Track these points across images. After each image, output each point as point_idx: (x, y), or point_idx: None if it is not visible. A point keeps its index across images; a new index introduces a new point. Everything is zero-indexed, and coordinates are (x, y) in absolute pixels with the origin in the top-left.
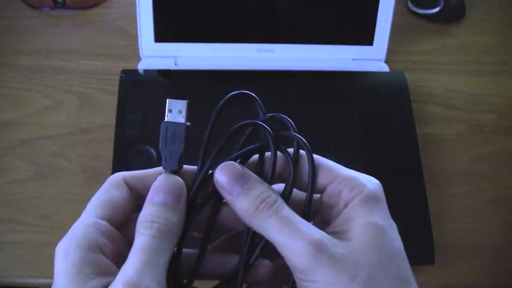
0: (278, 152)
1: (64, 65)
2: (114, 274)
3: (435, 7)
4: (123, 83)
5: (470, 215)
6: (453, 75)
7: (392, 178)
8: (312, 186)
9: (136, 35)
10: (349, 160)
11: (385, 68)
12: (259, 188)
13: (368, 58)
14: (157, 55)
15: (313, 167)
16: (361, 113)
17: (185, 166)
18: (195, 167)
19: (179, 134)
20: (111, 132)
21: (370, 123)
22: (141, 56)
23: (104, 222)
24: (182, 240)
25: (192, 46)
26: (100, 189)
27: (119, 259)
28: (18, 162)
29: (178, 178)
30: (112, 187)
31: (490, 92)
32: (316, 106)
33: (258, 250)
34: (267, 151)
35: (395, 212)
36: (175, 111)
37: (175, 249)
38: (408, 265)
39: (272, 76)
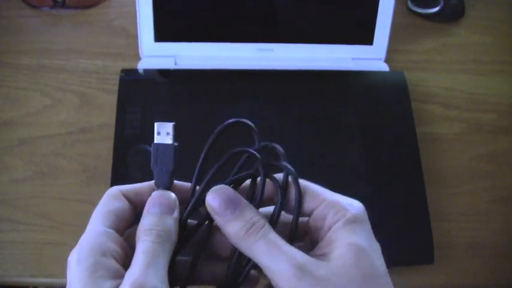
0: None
1: (64, 65)
2: (123, 277)
3: (435, 6)
4: (122, 83)
5: (470, 214)
6: (453, 75)
7: (392, 178)
8: (298, 214)
9: (136, 35)
10: (348, 160)
11: (385, 67)
12: (249, 213)
13: (368, 57)
14: (157, 54)
15: (300, 196)
16: (360, 113)
17: (176, 182)
18: (186, 183)
19: (168, 154)
20: (110, 132)
21: (369, 122)
22: (140, 55)
23: (111, 230)
24: (177, 250)
25: (192, 46)
26: (100, 201)
27: (127, 264)
28: (18, 161)
29: (171, 193)
30: (113, 199)
31: (490, 92)
32: (316, 105)
33: (245, 272)
34: (258, 177)
35: (395, 212)
36: (163, 133)
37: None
38: (391, 286)
39: (272, 76)
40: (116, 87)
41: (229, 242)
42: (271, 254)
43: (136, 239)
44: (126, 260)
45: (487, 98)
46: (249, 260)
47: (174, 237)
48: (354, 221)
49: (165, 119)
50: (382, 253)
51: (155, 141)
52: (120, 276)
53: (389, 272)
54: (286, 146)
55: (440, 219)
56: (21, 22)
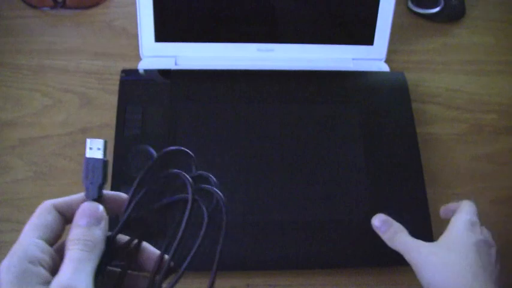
0: None
1: (64, 65)
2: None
3: (435, 7)
4: (123, 83)
5: None
6: (453, 75)
7: (392, 178)
8: (225, 236)
9: (137, 35)
10: (348, 160)
11: (385, 67)
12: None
13: (368, 58)
14: (157, 55)
15: (227, 221)
16: (361, 113)
17: (106, 192)
18: (115, 193)
19: (98, 168)
20: (111, 132)
21: (370, 123)
22: (141, 55)
23: (41, 241)
24: (105, 262)
25: (192, 46)
26: (33, 214)
27: (55, 272)
28: (19, 161)
29: (98, 205)
30: (44, 212)
31: (490, 92)
32: (316, 106)
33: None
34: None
35: (396, 212)
36: (95, 148)
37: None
38: None
39: (272, 76)
40: (117, 88)
41: (153, 258)
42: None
43: (65, 249)
44: (55, 269)
45: (487, 99)
46: (175, 280)
47: (101, 246)
48: None
49: (165, 119)
50: (384, 252)
51: (86, 156)
52: (49, 283)
53: (390, 271)
54: (285, 146)
55: (441, 220)
56: (21, 22)
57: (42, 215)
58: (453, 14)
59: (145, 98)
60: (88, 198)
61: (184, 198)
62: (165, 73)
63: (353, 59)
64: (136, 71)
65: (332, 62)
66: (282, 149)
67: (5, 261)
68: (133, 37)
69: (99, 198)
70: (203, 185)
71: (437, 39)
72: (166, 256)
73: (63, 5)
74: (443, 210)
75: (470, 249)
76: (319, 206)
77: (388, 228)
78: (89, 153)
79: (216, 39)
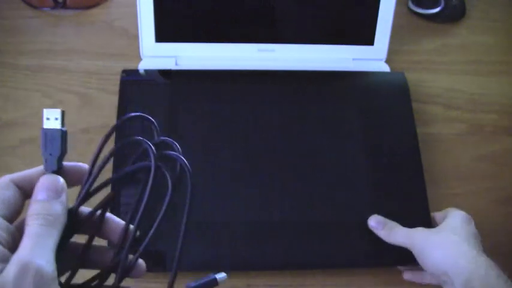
0: None
1: (65, 65)
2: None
3: (436, 7)
4: (124, 83)
5: (471, 214)
6: (454, 75)
7: (392, 178)
8: (189, 210)
9: (137, 35)
10: (349, 160)
11: (385, 67)
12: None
13: (369, 58)
14: (157, 55)
15: (192, 188)
16: (361, 113)
17: (65, 164)
18: (76, 163)
19: (56, 139)
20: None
21: (370, 123)
22: (141, 55)
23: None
24: (67, 235)
25: (192, 46)
26: None
27: (15, 249)
28: (19, 162)
29: (58, 177)
30: (2, 188)
31: (490, 92)
32: (316, 106)
33: (134, 260)
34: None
35: (396, 212)
36: (52, 118)
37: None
38: None
39: (273, 76)
40: (117, 88)
41: (119, 230)
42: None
43: (25, 225)
44: (15, 247)
45: (487, 99)
46: (138, 248)
47: (61, 220)
48: None
49: (165, 119)
50: (385, 252)
51: (44, 127)
52: (7, 260)
53: (390, 271)
54: (286, 146)
55: None
56: (22, 23)
57: (1, 190)
58: (453, 14)
59: (146, 98)
60: (47, 170)
61: (147, 166)
62: (166, 73)
63: (353, 59)
64: (137, 71)
65: (332, 62)
66: (282, 149)
67: None
68: (134, 37)
69: (59, 170)
70: (166, 152)
71: (438, 40)
72: (131, 226)
73: (64, 6)
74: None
75: (469, 235)
76: (320, 207)
77: (384, 226)
78: (46, 124)
79: (217, 39)
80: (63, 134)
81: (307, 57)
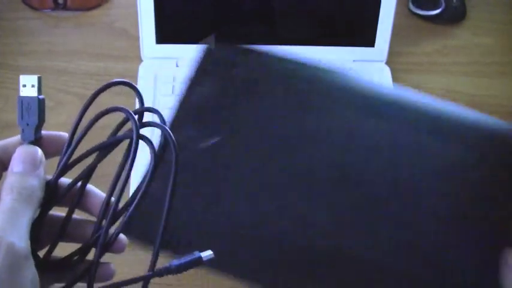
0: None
1: (65, 66)
2: None
3: (436, 8)
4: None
5: None
6: (454, 77)
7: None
8: (175, 176)
9: (138, 36)
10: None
11: (386, 69)
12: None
13: (369, 59)
14: (158, 56)
15: (177, 159)
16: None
17: (44, 132)
18: (54, 133)
19: (33, 107)
20: None
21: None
22: (142, 57)
23: None
24: (46, 208)
25: (193, 47)
26: None
27: None
28: None
29: (35, 148)
30: None
31: (491, 94)
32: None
33: (114, 235)
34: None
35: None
36: (29, 85)
37: (39, 212)
38: None
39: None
40: (117, 89)
41: (100, 202)
42: None
43: None
44: None
45: (488, 100)
46: (122, 225)
47: (38, 194)
48: None
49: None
50: None
51: (20, 94)
52: None
53: None
54: (380, 170)
55: None
56: (22, 24)
57: None
58: (454, 16)
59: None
60: (24, 140)
61: (129, 136)
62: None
63: (354, 61)
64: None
65: (333, 63)
66: (375, 171)
67: None
68: (134, 39)
69: (37, 141)
70: (149, 121)
71: (438, 41)
72: (112, 199)
73: (64, 7)
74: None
75: None
76: (388, 245)
77: None
78: (22, 92)
79: (217, 40)
80: (40, 102)
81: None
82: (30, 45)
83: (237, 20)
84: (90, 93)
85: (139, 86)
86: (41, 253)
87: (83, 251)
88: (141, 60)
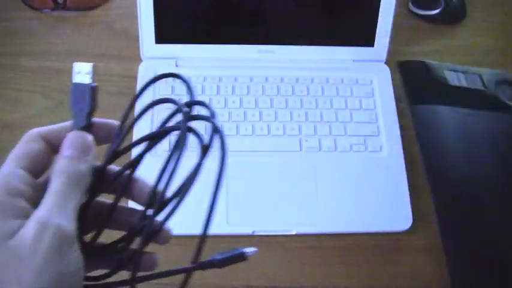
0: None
1: (65, 66)
2: None
3: (436, 8)
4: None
5: None
6: None
7: None
8: (221, 170)
9: (137, 37)
10: None
11: (386, 69)
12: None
13: (369, 59)
14: (158, 56)
15: (224, 153)
16: None
17: (95, 119)
18: (105, 120)
19: (85, 94)
20: None
21: None
22: (141, 57)
23: (23, 171)
24: (93, 194)
25: (193, 47)
26: (18, 144)
27: (38, 204)
28: None
29: (86, 134)
30: (29, 141)
31: None
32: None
33: (163, 221)
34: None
35: None
36: (83, 73)
37: (87, 198)
38: None
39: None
40: (117, 89)
41: (146, 192)
42: None
43: (48, 181)
44: (37, 201)
45: None
46: (168, 215)
47: (86, 180)
48: None
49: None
50: None
51: (73, 81)
52: (28, 216)
53: None
54: None
55: None
56: (22, 24)
57: (27, 144)
58: (454, 16)
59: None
60: (76, 126)
61: (178, 127)
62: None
63: (353, 61)
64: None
65: (332, 63)
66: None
67: None
68: (134, 39)
69: (88, 127)
70: (199, 114)
71: (438, 41)
72: (159, 189)
73: (64, 7)
74: None
75: None
76: None
77: None
78: (76, 78)
79: (217, 40)
80: (93, 89)
81: (308, 58)
82: (30, 45)
83: (236, 20)
84: None
85: (138, 86)
86: (86, 238)
87: (128, 239)
88: (140, 60)
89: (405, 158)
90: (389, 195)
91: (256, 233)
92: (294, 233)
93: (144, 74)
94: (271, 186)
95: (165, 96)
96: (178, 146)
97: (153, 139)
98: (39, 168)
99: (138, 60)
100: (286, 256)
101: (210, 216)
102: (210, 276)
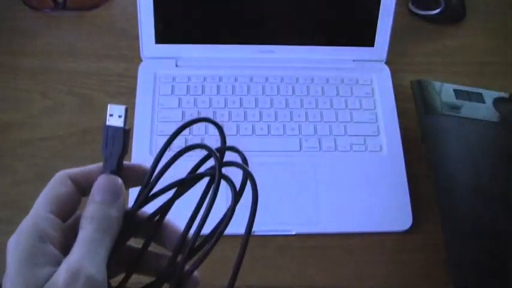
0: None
1: (65, 66)
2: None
3: (436, 8)
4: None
5: None
6: (454, 77)
7: None
8: (252, 217)
9: (137, 36)
10: None
11: (386, 69)
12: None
13: (369, 59)
14: (158, 56)
15: (256, 198)
16: None
17: (126, 163)
18: (137, 164)
19: (118, 137)
20: None
21: None
22: (141, 57)
23: (52, 216)
24: (123, 238)
25: (193, 47)
26: (47, 186)
27: (67, 250)
28: (19, 163)
29: (117, 178)
30: (58, 184)
31: None
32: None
33: (193, 267)
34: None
35: None
36: (116, 115)
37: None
38: None
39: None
40: (117, 89)
41: (176, 237)
42: None
43: (79, 226)
44: (68, 247)
45: None
46: (198, 262)
47: (116, 225)
48: None
49: None
50: None
51: (106, 123)
52: (58, 263)
53: None
54: None
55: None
56: (22, 24)
57: (56, 186)
58: (454, 16)
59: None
60: (106, 169)
61: (210, 174)
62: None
63: (353, 61)
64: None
65: (333, 63)
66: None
67: (13, 237)
68: (134, 38)
69: (118, 170)
70: (231, 161)
71: (438, 41)
72: (190, 234)
73: (64, 7)
74: None
75: None
76: None
77: None
78: (108, 121)
79: (217, 40)
80: (125, 133)
81: (308, 58)
82: (30, 45)
83: (236, 20)
84: (90, 93)
85: (138, 86)
86: (113, 282)
87: (156, 285)
88: (140, 60)
89: (405, 158)
90: (389, 195)
91: (256, 233)
92: (294, 233)
93: (144, 73)
94: (271, 186)
95: (198, 142)
96: (211, 194)
97: (183, 185)
98: (67, 211)
99: (138, 60)
100: (286, 256)
101: (240, 260)
102: (209, 276)
